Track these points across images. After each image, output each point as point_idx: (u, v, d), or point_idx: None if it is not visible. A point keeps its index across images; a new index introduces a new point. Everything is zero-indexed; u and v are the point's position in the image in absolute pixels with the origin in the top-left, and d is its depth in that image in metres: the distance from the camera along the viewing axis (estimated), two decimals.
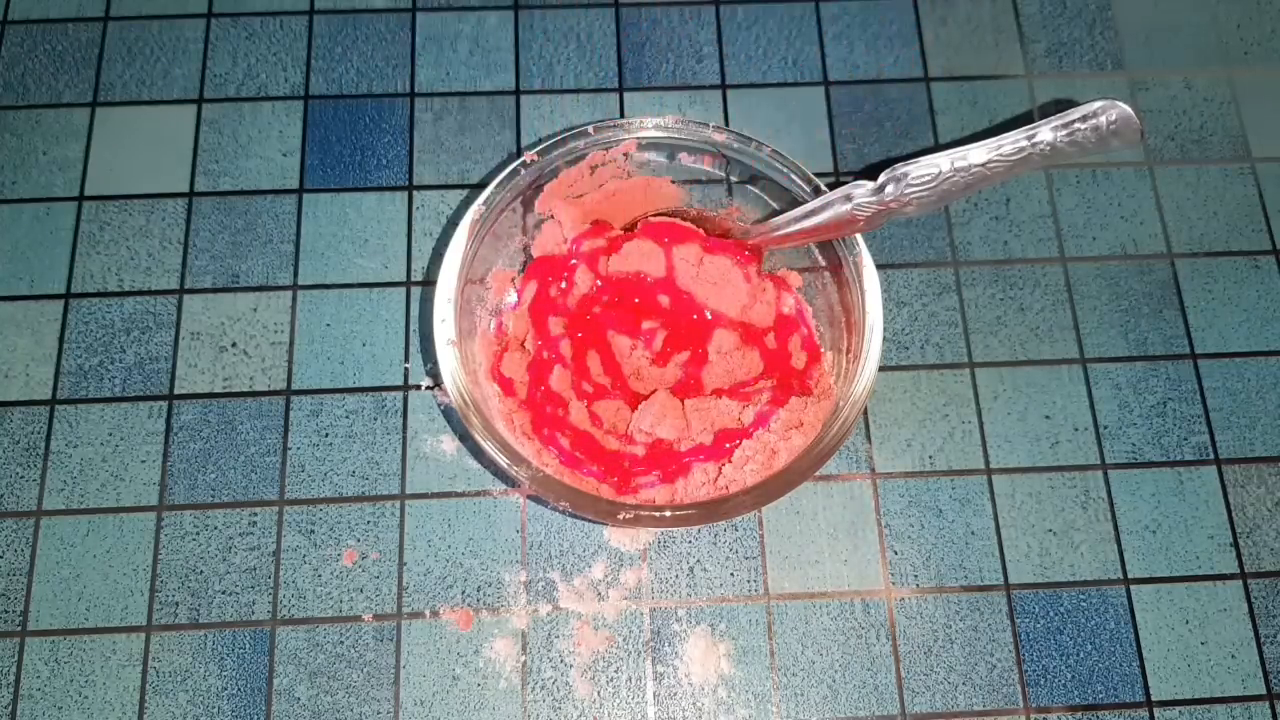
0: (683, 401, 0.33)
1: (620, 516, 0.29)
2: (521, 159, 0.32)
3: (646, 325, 0.35)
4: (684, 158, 0.34)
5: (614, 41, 0.42)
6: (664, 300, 0.35)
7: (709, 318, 0.35)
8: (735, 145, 0.33)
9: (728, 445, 0.32)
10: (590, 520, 0.35)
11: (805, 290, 0.36)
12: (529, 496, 0.35)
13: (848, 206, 0.30)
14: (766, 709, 0.33)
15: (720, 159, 0.34)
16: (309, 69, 0.41)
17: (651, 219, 0.36)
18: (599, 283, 0.35)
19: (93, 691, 0.33)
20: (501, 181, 0.32)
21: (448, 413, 0.36)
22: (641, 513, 0.29)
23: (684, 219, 0.36)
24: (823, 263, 0.34)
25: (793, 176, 0.33)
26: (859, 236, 0.31)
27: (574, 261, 0.35)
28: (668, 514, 0.29)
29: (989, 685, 0.33)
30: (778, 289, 0.36)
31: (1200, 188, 0.40)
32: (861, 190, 0.29)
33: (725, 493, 0.31)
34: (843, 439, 0.29)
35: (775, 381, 0.34)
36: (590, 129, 0.32)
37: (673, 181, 0.35)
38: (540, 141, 0.32)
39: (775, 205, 0.34)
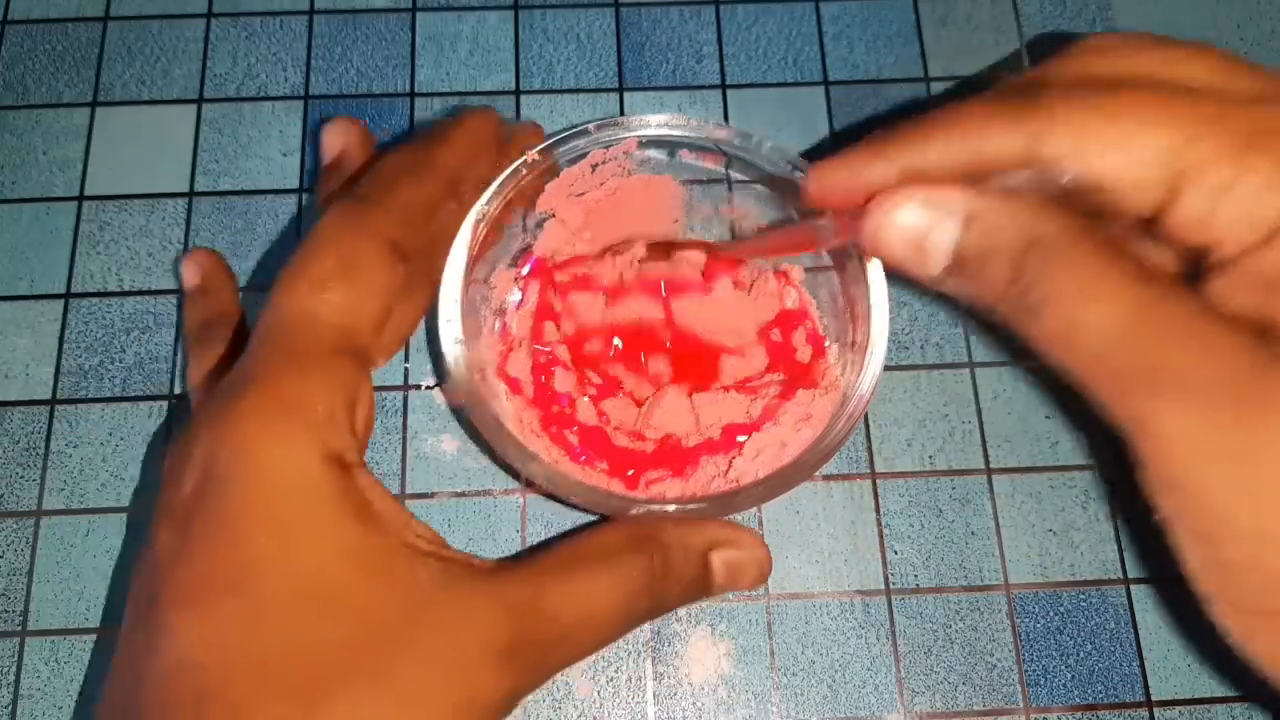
0: (690, 396, 0.33)
1: (633, 511, 0.29)
2: (524, 158, 0.32)
3: (650, 363, 0.35)
4: (685, 155, 0.34)
5: (614, 41, 0.42)
6: (666, 338, 0.35)
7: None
8: (736, 141, 0.33)
9: (737, 439, 0.32)
10: (604, 516, 0.35)
11: (808, 282, 0.35)
12: (544, 494, 0.35)
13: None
14: (766, 708, 0.33)
15: (722, 157, 0.34)
16: (309, 69, 0.41)
17: (644, 261, 0.35)
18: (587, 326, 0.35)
19: (93, 691, 0.33)
20: (503, 181, 0.32)
21: (449, 413, 0.36)
22: (654, 507, 0.29)
23: (678, 247, 0.36)
24: (825, 254, 0.34)
25: (792, 168, 0.32)
26: (873, 273, 0.31)
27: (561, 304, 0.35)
28: (680, 508, 0.29)
29: (989, 685, 0.34)
30: (780, 282, 0.36)
31: None
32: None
33: (737, 485, 0.31)
34: (851, 429, 0.29)
35: (782, 375, 0.34)
36: (591, 127, 0.32)
37: (674, 179, 0.35)
38: (541, 140, 0.32)
39: (776, 199, 0.34)
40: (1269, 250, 0.18)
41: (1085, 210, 0.20)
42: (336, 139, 0.32)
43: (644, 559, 0.25)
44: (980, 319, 0.38)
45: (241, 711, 0.20)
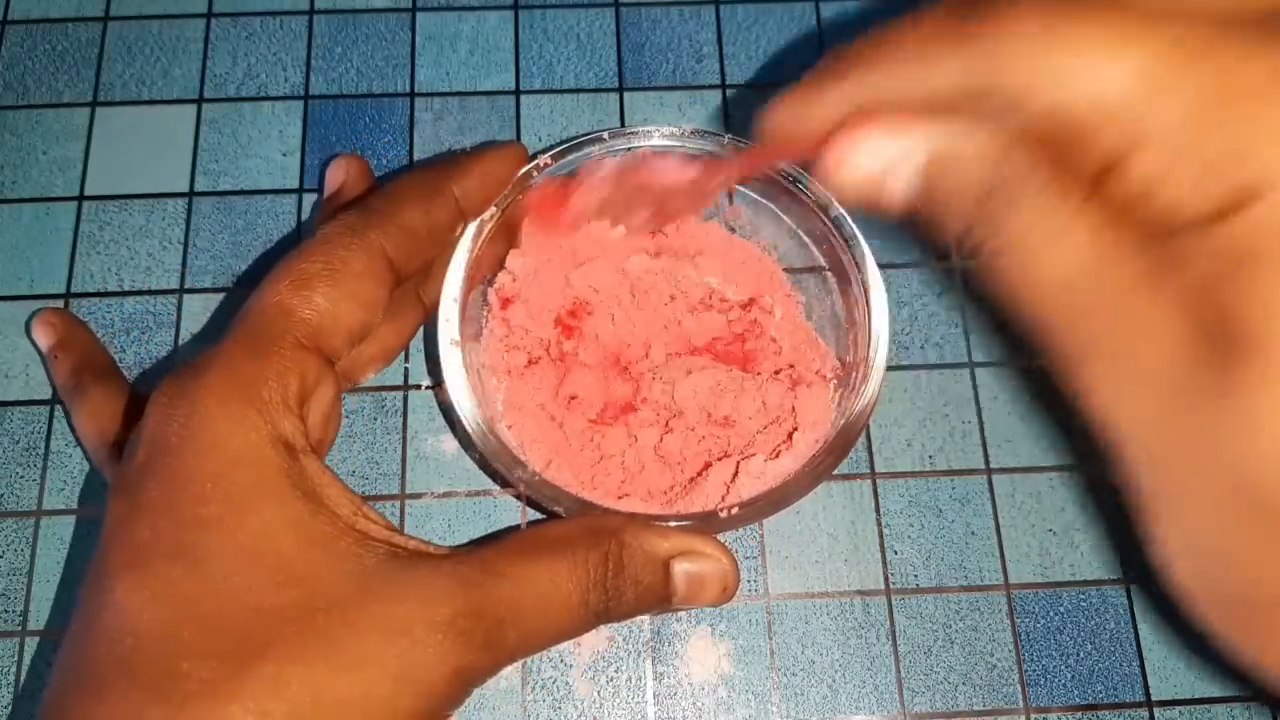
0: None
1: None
2: (535, 162, 0.32)
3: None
4: None
5: (614, 41, 0.42)
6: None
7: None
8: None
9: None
10: None
11: (817, 316, 0.35)
12: (528, 501, 0.35)
13: None
14: (767, 709, 0.33)
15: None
16: (309, 69, 0.41)
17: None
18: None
19: None
20: (515, 184, 0.31)
21: (448, 412, 0.36)
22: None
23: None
24: (838, 299, 0.33)
25: (802, 189, 0.32)
26: (873, 282, 0.31)
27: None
28: (660, 523, 0.29)
29: (989, 685, 0.34)
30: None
31: None
32: None
33: (720, 506, 0.31)
34: (838, 461, 0.29)
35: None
36: (606, 134, 0.32)
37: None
38: (553, 145, 0.32)
39: (774, 208, 0.34)
40: (1223, 226, 0.16)
41: (1058, 142, 0.18)
42: (338, 173, 0.32)
43: (599, 553, 0.24)
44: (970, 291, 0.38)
45: (172, 674, 0.20)
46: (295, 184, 0.40)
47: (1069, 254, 0.18)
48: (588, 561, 0.24)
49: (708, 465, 0.32)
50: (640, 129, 0.33)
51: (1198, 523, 0.17)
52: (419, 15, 0.42)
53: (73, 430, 0.35)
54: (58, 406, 0.36)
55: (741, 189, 0.35)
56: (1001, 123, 0.18)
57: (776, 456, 0.31)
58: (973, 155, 0.19)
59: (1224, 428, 0.16)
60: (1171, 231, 0.16)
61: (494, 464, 0.29)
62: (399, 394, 0.37)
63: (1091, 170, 0.17)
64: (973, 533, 0.35)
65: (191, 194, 0.39)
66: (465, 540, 0.35)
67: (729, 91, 0.41)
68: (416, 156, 0.40)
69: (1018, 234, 0.18)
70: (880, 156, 0.20)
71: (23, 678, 0.33)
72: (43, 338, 0.34)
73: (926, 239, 0.20)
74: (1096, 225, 0.17)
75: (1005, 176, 0.18)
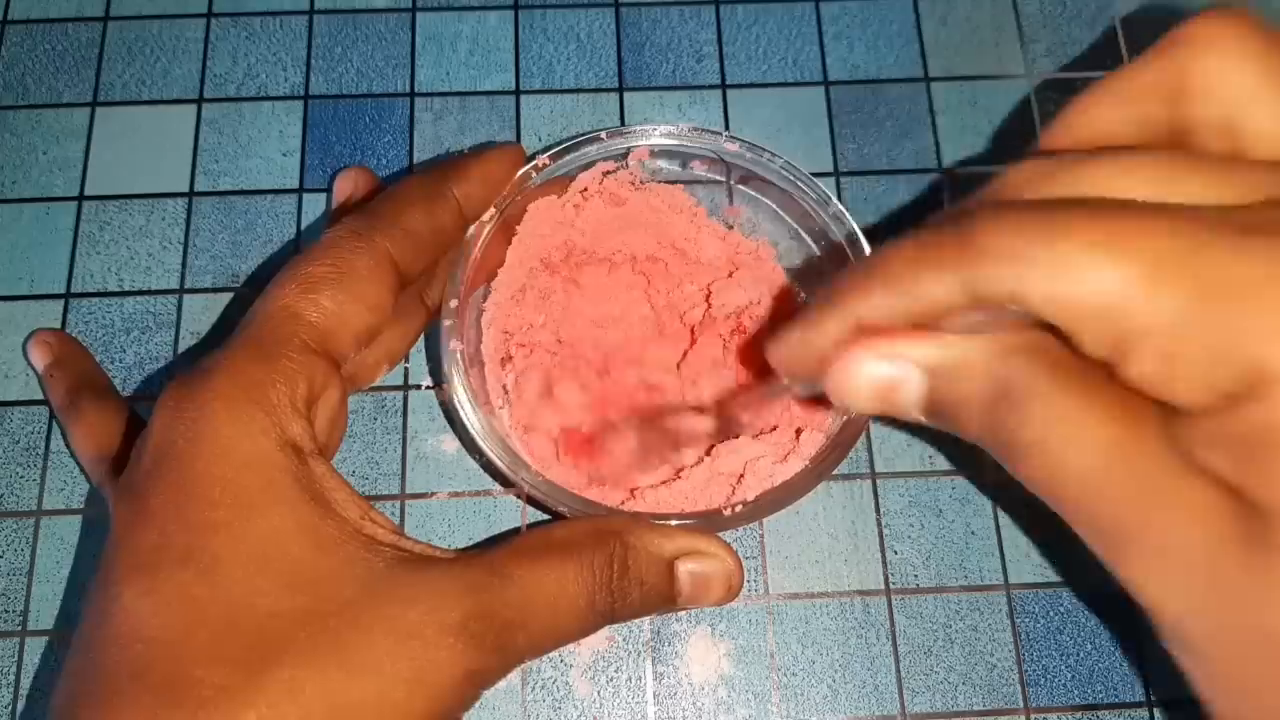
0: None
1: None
2: (533, 163, 0.32)
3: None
4: (696, 165, 0.34)
5: (614, 41, 0.42)
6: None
7: None
8: (748, 155, 0.32)
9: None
10: None
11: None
12: (532, 502, 0.35)
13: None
14: (767, 709, 0.33)
15: (732, 168, 0.33)
16: (309, 69, 0.41)
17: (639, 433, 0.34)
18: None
19: None
20: (514, 185, 0.32)
21: (448, 412, 0.36)
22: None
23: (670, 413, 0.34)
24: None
25: (802, 186, 0.32)
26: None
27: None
28: (662, 522, 0.29)
29: (989, 685, 0.33)
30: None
31: None
32: None
33: (724, 505, 0.31)
34: (840, 459, 0.29)
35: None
36: (603, 134, 0.32)
37: (684, 190, 0.35)
38: (551, 146, 0.32)
39: (774, 206, 0.34)
40: (1230, 415, 0.16)
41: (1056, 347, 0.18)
42: (346, 185, 0.32)
43: (604, 554, 0.24)
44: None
45: (184, 680, 0.20)
46: (295, 184, 0.40)
47: (1088, 448, 0.18)
48: (593, 563, 0.24)
49: (700, 462, 0.32)
50: (640, 128, 0.33)
51: (1248, 691, 0.18)
52: (419, 15, 0.42)
53: (69, 449, 0.35)
54: None
55: (741, 188, 0.35)
56: (997, 330, 0.18)
57: (785, 460, 0.31)
58: (974, 364, 0.19)
59: (1272, 604, 0.16)
60: (1185, 418, 0.17)
61: (496, 464, 0.29)
62: (399, 394, 0.37)
63: (1093, 369, 0.17)
64: (973, 533, 0.35)
65: (191, 194, 0.39)
66: (466, 541, 0.35)
67: (729, 91, 0.41)
68: (416, 157, 0.40)
69: (1032, 437, 0.18)
70: (885, 370, 0.20)
71: (23, 678, 0.33)
72: (38, 357, 0.34)
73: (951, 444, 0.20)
74: (1109, 418, 0.17)
75: (1008, 381, 0.18)
